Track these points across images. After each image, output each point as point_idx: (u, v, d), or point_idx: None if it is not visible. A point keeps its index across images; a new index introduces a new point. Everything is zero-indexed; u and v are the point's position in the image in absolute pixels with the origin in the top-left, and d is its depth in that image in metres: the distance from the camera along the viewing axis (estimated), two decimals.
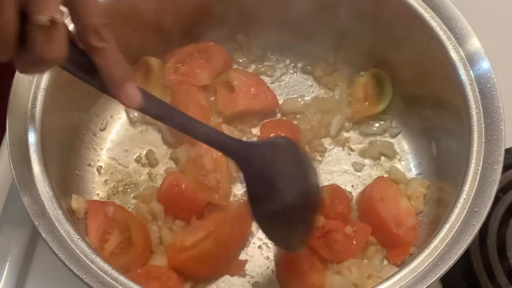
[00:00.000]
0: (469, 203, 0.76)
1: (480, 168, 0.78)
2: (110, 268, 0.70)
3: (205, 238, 0.87)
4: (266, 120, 1.03)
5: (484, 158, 0.78)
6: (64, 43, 0.59)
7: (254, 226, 0.94)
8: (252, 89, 1.01)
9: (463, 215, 0.75)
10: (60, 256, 0.70)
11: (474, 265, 0.88)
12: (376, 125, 1.04)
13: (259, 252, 0.93)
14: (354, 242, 0.89)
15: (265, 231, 0.79)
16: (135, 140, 1.01)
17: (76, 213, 0.88)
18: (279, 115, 1.05)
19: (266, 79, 1.07)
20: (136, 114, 1.03)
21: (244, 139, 1.02)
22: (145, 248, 0.89)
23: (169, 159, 1.00)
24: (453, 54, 0.85)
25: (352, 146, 1.03)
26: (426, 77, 0.94)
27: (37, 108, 0.79)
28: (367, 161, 1.02)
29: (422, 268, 0.72)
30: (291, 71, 1.09)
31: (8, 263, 0.88)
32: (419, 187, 0.96)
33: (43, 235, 0.71)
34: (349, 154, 1.02)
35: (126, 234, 0.87)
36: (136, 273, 0.83)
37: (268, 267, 0.92)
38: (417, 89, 0.99)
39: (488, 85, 0.83)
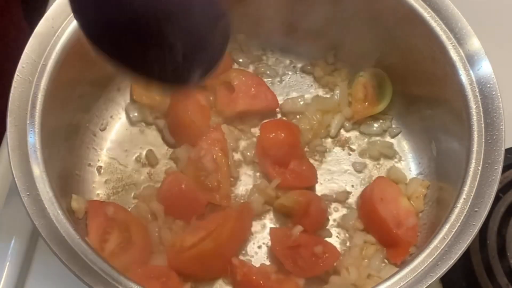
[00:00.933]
0: (469, 203, 0.76)
1: (480, 168, 0.78)
2: (110, 268, 0.70)
3: (205, 238, 0.87)
4: (266, 120, 1.03)
5: (484, 158, 0.78)
6: None
7: (254, 226, 0.95)
8: (252, 89, 1.01)
9: (463, 215, 0.75)
10: (60, 256, 0.70)
11: (474, 265, 0.88)
12: (376, 125, 1.04)
13: (259, 252, 0.93)
14: (321, 264, 0.88)
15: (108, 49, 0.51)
16: (135, 140, 1.01)
17: (76, 213, 0.88)
18: (279, 115, 1.05)
19: (266, 79, 1.07)
20: (136, 114, 1.02)
21: (244, 139, 1.02)
22: (145, 248, 0.88)
23: (169, 159, 1.00)
24: (453, 54, 0.85)
25: (352, 146, 1.03)
26: (426, 77, 0.94)
27: (37, 108, 0.79)
28: (367, 161, 1.02)
29: (422, 268, 0.72)
30: (291, 71, 1.09)
31: (8, 263, 0.88)
32: (419, 187, 0.96)
33: (43, 235, 0.71)
34: (349, 154, 1.02)
35: (126, 234, 0.87)
36: (136, 273, 0.82)
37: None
38: (417, 89, 0.99)
39: (488, 85, 0.83)
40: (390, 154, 1.02)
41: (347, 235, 0.95)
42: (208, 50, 0.55)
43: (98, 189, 0.97)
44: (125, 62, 0.52)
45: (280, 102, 1.05)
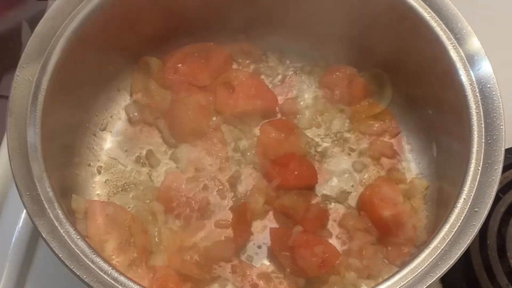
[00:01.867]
0: (469, 203, 0.76)
1: (480, 168, 0.78)
2: (110, 268, 0.70)
3: (205, 238, 0.87)
4: (266, 120, 1.03)
5: (484, 158, 0.78)
6: None
7: (254, 226, 0.95)
8: (252, 89, 1.01)
9: (463, 215, 0.75)
10: (60, 256, 0.70)
11: (474, 265, 0.88)
12: (376, 125, 1.04)
13: (259, 252, 0.93)
14: (321, 264, 0.87)
15: None
16: (135, 140, 1.01)
17: (76, 213, 0.88)
18: (279, 115, 1.05)
19: (266, 79, 1.07)
20: (136, 114, 1.02)
21: (244, 139, 1.02)
22: (145, 248, 0.89)
23: (169, 159, 1.00)
24: (453, 54, 0.85)
25: (352, 146, 1.03)
26: (426, 77, 0.94)
27: (37, 108, 0.79)
28: (367, 161, 1.02)
29: (422, 268, 0.72)
30: (291, 71, 1.09)
31: (8, 263, 0.88)
32: (419, 187, 0.96)
33: (43, 235, 0.71)
34: (349, 154, 1.02)
35: (126, 234, 0.87)
36: (136, 273, 0.83)
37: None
38: (417, 89, 0.99)
39: (488, 85, 0.83)
40: (390, 154, 1.02)
41: (347, 235, 0.95)
42: None
43: (98, 189, 0.97)
44: None
45: (280, 102, 1.05)
